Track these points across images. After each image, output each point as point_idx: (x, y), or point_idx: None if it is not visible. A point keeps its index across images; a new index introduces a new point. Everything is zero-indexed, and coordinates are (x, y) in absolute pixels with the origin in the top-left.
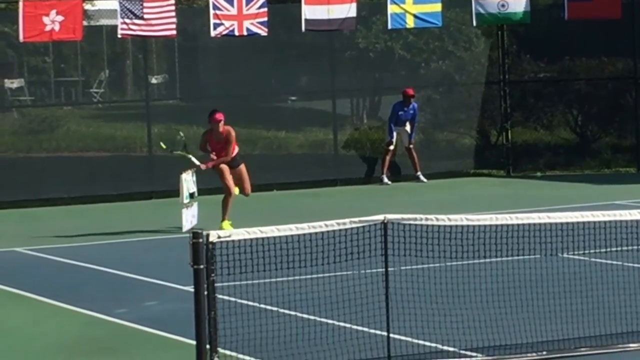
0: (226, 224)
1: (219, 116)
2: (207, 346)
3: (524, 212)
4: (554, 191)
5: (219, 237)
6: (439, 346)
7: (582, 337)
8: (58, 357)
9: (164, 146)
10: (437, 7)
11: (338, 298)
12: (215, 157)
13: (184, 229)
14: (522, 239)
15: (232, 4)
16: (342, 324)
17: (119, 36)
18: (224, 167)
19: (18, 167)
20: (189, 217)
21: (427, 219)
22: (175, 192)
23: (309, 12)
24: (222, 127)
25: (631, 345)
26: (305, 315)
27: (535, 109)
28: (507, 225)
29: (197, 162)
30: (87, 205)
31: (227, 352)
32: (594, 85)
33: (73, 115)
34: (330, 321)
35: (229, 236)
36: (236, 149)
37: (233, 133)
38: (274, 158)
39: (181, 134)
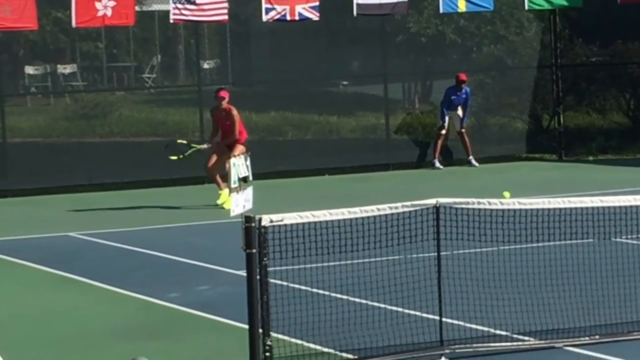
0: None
1: (223, 93)
2: (260, 330)
3: (577, 196)
4: (607, 175)
5: (271, 221)
6: (492, 330)
7: (635, 321)
8: (111, 340)
9: (174, 158)
10: None
11: (390, 282)
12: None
13: (232, 214)
14: (574, 223)
15: None
16: (394, 308)
17: (171, 21)
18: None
19: (71, 152)
20: (240, 202)
21: (479, 203)
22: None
23: None
24: (225, 104)
25: None
26: (357, 299)
27: (587, 92)
28: (560, 209)
29: (203, 146)
30: (139, 190)
31: (280, 336)
32: None
33: (125, 100)
34: (382, 305)
35: (282, 220)
36: (244, 135)
37: (235, 112)
38: (326, 143)
39: (178, 141)
